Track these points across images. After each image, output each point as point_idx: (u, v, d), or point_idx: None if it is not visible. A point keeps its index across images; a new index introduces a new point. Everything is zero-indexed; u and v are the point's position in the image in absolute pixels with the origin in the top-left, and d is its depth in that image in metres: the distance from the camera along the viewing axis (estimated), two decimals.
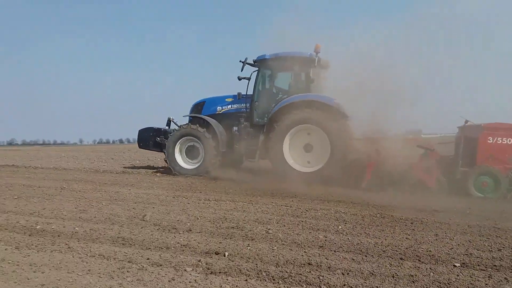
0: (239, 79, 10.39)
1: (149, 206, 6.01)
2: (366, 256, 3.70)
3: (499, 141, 7.98)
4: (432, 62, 9.16)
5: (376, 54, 8.83)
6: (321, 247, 3.97)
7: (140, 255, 3.66)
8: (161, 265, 3.38)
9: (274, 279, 3.09)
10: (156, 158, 15.57)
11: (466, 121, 8.23)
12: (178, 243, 4.03)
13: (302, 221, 5.05)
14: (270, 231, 4.49)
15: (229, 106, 10.95)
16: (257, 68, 10.47)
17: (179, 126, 10.73)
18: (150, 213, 5.34)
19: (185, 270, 3.27)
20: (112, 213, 5.45)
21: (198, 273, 3.21)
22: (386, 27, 9.73)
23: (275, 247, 3.90)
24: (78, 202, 6.24)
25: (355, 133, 8.97)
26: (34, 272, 3.21)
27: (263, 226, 4.74)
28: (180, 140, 10.53)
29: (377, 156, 8.25)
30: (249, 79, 10.44)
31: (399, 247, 4.01)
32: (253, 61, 10.30)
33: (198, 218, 5.17)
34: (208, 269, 3.30)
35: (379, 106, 8.49)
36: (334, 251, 3.84)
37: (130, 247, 3.92)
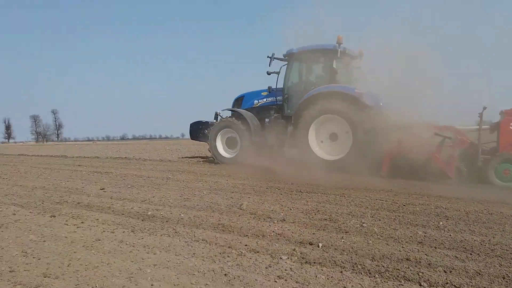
0: (268, 73, 11.11)
1: (245, 195, 6.30)
2: (471, 254, 3.45)
3: None
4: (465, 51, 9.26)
5: (407, 42, 8.74)
6: (420, 243, 3.80)
7: (239, 241, 3.88)
8: (258, 252, 3.56)
9: (370, 273, 3.06)
10: None
11: (485, 108, 7.73)
12: (273, 231, 4.19)
13: (399, 216, 4.86)
14: (364, 225, 4.42)
15: (264, 100, 11.76)
16: (286, 62, 11.02)
17: (222, 119, 11.91)
18: (246, 202, 5.61)
19: (280, 258, 3.39)
20: (212, 201, 5.83)
21: (293, 262, 3.31)
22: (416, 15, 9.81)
23: (370, 241, 3.84)
24: (182, 191, 6.80)
25: (388, 122, 8.80)
26: (147, 253, 3.57)
27: (357, 220, 4.68)
28: (220, 132, 11.65)
29: (398, 145, 8.21)
30: (278, 73, 11.10)
31: (511, 246, 3.66)
32: (283, 56, 10.93)
33: (291, 209, 5.29)
34: (303, 258, 3.38)
35: (409, 96, 8.42)
36: (435, 247, 3.65)
37: (230, 233, 4.18)
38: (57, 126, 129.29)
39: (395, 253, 3.47)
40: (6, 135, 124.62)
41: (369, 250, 3.57)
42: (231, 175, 8.85)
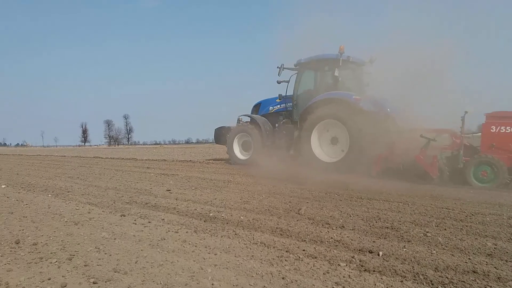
0: (278, 82, 11.99)
1: (303, 200, 6.30)
2: None
3: (502, 130, 7.87)
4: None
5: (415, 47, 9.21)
6: (489, 255, 3.57)
7: (297, 246, 3.90)
8: (315, 258, 3.56)
9: (432, 284, 2.94)
10: None
11: (466, 112, 8.00)
12: (331, 238, 4.16)
13: (466, 226, 4.59)
14: (428, 234, 4.23)
15: (278, 106, 12.70)
16: (294, 72, 11.92)
17: (240, 124, 13.16)
18: (304, 207, 5.61)
19: (339, 264, 3.37)
20: (271, 205, 5.91)
21: (352, 269, 3.27)
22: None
23: (434, 251, 3.68)
24: (242, 194, 6.96)
25: (386, 126, 9.31)
26: (208, 253, 3.70)
27: (421, 229, 4.49)
28: (237, 136, 12.90)
29: (391, 148, 8.72)
30: (288, 82, 12.04)
31: None
32: (294, 65, 11.82)
33: (350, 216, 5.21)
34: (362, 266, 3.33)
35: (414, 100, 8.87)
36: (506, 260, 3.41)
37: (287, 237, 4.21)
38: (128, 130, 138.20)
39: (460, 265, 3.30)
40: (83, 138, 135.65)
41: (432, 260, 3.43)
42: (289, 179, 8.88)
